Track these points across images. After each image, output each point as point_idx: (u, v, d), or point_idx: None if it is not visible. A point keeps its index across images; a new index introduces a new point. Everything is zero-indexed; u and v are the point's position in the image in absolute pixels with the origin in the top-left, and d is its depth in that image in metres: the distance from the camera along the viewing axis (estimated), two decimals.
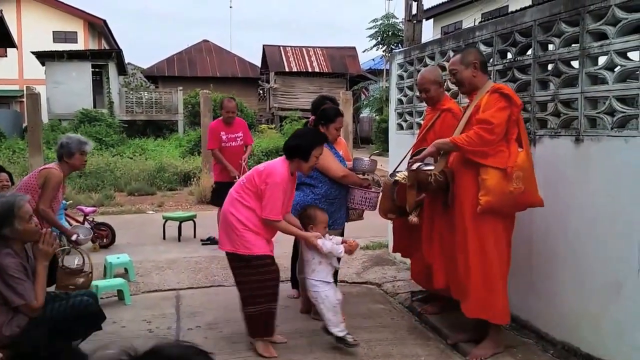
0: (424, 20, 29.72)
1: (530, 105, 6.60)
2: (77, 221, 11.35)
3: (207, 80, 44.43)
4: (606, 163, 5.59)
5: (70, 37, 50.29)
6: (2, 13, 37.63)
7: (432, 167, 6.25)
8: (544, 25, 6.38)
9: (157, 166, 22.93)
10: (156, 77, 50.28)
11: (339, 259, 6.73)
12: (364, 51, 45.92)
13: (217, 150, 11.41)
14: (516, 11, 8.58)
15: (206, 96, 19.35)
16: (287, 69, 46.78)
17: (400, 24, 35.87)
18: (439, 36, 13.15)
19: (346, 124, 18.44)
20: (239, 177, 10.01)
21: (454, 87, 7.60)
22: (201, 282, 9.18)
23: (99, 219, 12.77)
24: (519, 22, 6.75)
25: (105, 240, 11.65)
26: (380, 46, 41.12)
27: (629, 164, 5.29)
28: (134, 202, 18.43)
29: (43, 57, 38.57)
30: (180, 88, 41.09)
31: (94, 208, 12.91)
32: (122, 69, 43.86)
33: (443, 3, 36.84)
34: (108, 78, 39.17)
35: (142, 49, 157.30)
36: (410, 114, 9.47)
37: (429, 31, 39.90)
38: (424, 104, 8.00)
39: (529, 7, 6.98)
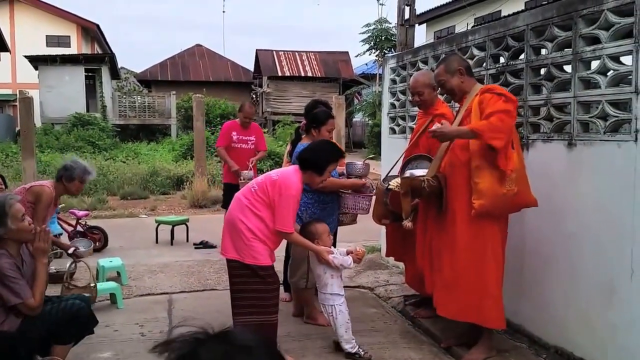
0: (416, 25, 29.76)
1: (523, 110, 6.57)
2: (70, 225, 11.37)
3: (200, 85, 44.40)
4: (599, 167, 5.58)
5: (64, 41, 50.23)
6: None
7: (424, 173, 6.22)
8: (536, 29, 6.37)
9: (150, 170, 22.88)
10: (149, 81, 50.29)
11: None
12: (356, 56, 45.74)
13: (222, 148, 11.36)
14: (509, 15, 8.58)
15: (199, 100, 19.41)
16: (280, 74, 46.72)
17: (393, 29, 35.83)
18: (432, 41, 13.19)
19: (338, 128, 18.42)
20: (239, 173, 10.28)
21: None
22: (194, 286, 9.17)
23: (92, 222, 12.75)
24: (512, 27, 6.75)
25: (97, 244, 11.56)
26: (373, 51, 41.08)
27: (622, 168, 5.28)
28: (127, 206, 18.41)
29: (36, 61, 38.53)
30: (173, 92, 41.10)
31: (87, 212, 12.83)
32: (115, 73, 43.88)
33: (436, 8, 36.88)
34: (101, 82, 39.15)
35: (135, 54, 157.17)
36: (403, 118, 9.46)
37: (422, 36, 40.05)
38: (416, 108, 8.00)
39: (522, 11, 6.97)
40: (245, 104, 11.66)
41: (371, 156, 14.02)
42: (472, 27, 16.79)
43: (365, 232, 10.35)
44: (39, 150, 24.26)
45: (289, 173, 6.21)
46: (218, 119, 37.55)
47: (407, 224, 6.45)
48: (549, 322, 6.28)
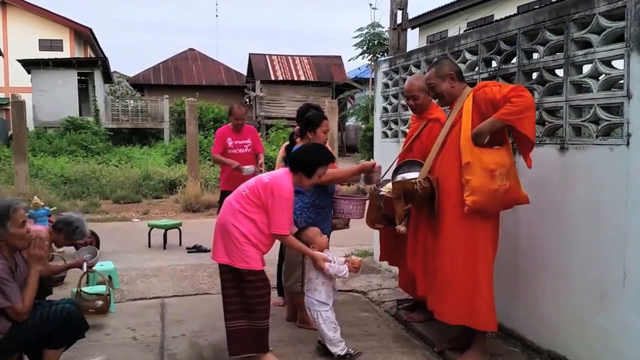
0: (409, 29, 29.75)
1: None
2: None
3: (193, 89, 44.55)
4: (591, 171, 5.57)
5: (56, 45, 50.28)
6: None
7: (416, 175, 6.22)
8: (528, 33, 6.38)
9: (142, 174, 22.91)
10: (142, 85, 50.33)
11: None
12: (349, 60, 46.19)
13: (218, 154, 11.05)
14: (501, 19, 8.59)
15: (192, 104, 19.41)
16: (273, 78, 46.84)
17: (386, 33, 35.83)
18: (424, 45, 13.20)
19: (331, 132, 18.46)
20: (241, 168, 10.25)
21: None
22: (186, 290, 9.14)
23: None
24: (504, 30, 6.75)
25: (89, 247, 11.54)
26: (366, 55, 41.11)
27: (614, 173, 5.28)
28: (119, 210, 18.40)
29: (29, 65, 38.64)
30: (166, 96, 41.13)
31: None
32: (107, 77, 43.95)
33: (428, 12, 36.94)
34: (94, 86, 39.23)
35: (128, 57, 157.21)
36: (396, 122, 9.46)
37: (414, 40, 40.15)
38: (409, 112, 7.97)
39: (514, 15, 6.98)
40: (234, 106, 11.37)
41: (362, 160, 13.94)
42: (465, 31, 16.78)
43: (358, 236, 10.35)
44: (32, 154, 24.23)
45: (280, 175, 6.20)
46: (211, 123, 37.59)
47: (401, 228, 6.41)
48: (542, 326, 6.27)
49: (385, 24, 40.25)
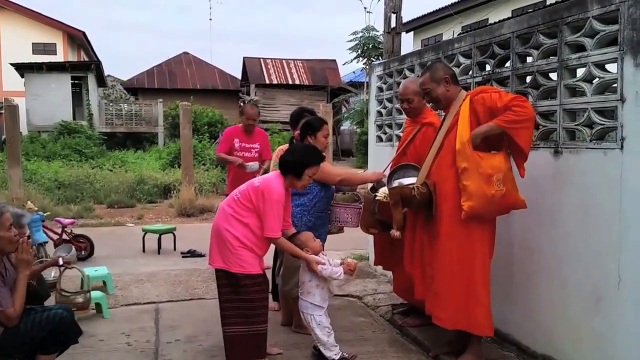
0: (404, 33, 29.65)
1: None
2: (56, 233, 11.33)
3: (188, 93, 44.45)
4: (585, 175, 5.59)
5: (50, 48, 50.15)
6: None
7: (413, 180, 6.25)
8: (522, 37, 6.39)
9: (137, 178, 22.88)
10: (136, 89, 50.31)
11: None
12: (344, 64, 45.97)
13: (222, 153, 10.54)
14: (495, 23, 8.60)
15: (186, 108, 19.43)
16: (267, 81, 46.83)
17: (381, 37, 35.87)
18: (419, 48, 13.22)
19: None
20: (244, 165, 10.01)
21: None
22: (181, 295, 9.12)
23: (78, 231, 12.71)
24: (497, 34, 6.77)
25: (83, 252, 11.59)
26: (361, 58, 41.13)
27: (608, 177, 5.29)
28: (114, 214, 18.37)
29: (22, 68, 38.61)
30: (160, 100, 41.14)
31: (73, 220, 12.66)
32: (101, 80, 43.95)
33: (423, 16, 36.93)
34: (87, 90, 39.21)
35: (122, 61, 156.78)
36: (390, 126, 9.48)
37: (409, 44, 40.12)
38: (403, 116, 8.02)
39: (508, 19, 6.99)
40: (246, 106, 10.83)
41: (355, 165, 13.92)
42: (459, 34, 16.81)
43: (353, 240, 10.35)
44: (25, 159, 24.16)
45: (271, 178, 6.24)
46: (205, 127, 37.62)
47: (396, 233, 6.43)
48: (537, 330, 6.27)
49: (380, 27, 40.35)
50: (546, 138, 6.15)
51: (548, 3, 15.18)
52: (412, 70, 8.65)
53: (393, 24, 13.21)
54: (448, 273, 6.00)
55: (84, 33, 51.67)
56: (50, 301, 6.40)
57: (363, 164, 19.97)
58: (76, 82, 39.87)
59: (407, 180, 6.37)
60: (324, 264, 6.28)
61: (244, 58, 49.51)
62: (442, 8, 34.31)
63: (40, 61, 39.96)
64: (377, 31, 39.54)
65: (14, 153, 17.21)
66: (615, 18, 5.23)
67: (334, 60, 50.02)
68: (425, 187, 6.06)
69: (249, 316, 6.06)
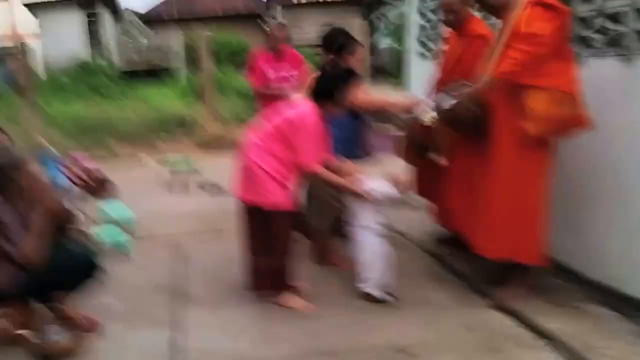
0: None
1: (573, 23, 6.01)
2: (77, 175, 11.07)
3: (210, 20, 44.18)
4: None
5: None
6: None
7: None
8: None
9: (157, 113, 23.07)
10: (155, 21, 50.08)
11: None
12: None
13: (262, 87, 9.52)
14: None
15: (207, 38, 19.66)
16: (295, 1, 46.33)
17: None
18: None
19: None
20: None
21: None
22: (201, 229, 9.36)
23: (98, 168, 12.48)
24: None
25: (103, 189, 11.33)
26: None
27: None
28: (134, 151, 18.69)
29: (35, 8, 38.55)
30: (181, 33, 40.95)
31: (93, 158, 12.50)
32: (118, 15, 43.83)
33: None
34: (104, 26, 39.16)
35: None
36: (434, 41, 9.10)
37: None
38: (448, 29, 7.50)
39: None
40: (274, 27, 9.93)
41: (395, 86, 13.59)
42: None
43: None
44: (44, 102, 24.12)
45: (304, 108, 6.14)
46: (230, 56, 37.30)
47: (443, 160, 6.42)
48: (594, 258, 6.10)
49: None
50: (616, 44, 5.64)
51: None
52: None
53: None
54: (505, 200, 5.76)
55: None
56: None
57: (403, 84, 19.59)
58: (92, 19, 39.96)
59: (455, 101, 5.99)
60: (368, 184, 6.13)
61: None
62: None
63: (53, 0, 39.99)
64: None
65: (32, 97, 17.30)
66: None
67: None
68: (479, 107, 5.76)
69: (273, 249, 6.18)
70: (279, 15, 45.45)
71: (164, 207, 10.77)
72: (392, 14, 42.69)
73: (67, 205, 6.54)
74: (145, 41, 41.84)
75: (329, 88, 6.13)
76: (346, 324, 6.02)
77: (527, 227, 5.76)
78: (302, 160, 5.99)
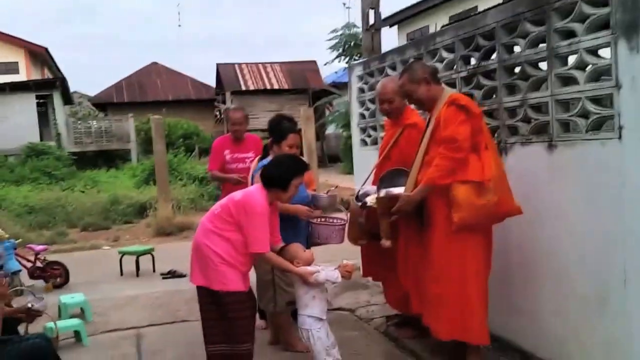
0: (387, 27, 29.52)
1: (499, 112, 6.58)
2: (29, 260, 11.31)
3: (160, 105, 44.51)
4: (583, 168, 5.56)
5: (12, 68, 50.02)
6: None
7: (401, 190, 6.24)
8: (507, 26, 6.36)
9: (110, 198, 22.81)
10: (105, 104, 50.30)
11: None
12: (325, 64, 45.66)
13: (215, 170, 9.76)
14: (482, 12, 8.54)
15: (158, 122, 19.28)
16: (244, 88, 46.75)
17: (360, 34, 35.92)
18: (405, 43, 13.08)
19: (309, 142, 18.37)
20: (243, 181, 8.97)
21: None
22: (163, 318, 9.08)
23: (52, 257, 12.63)
24: (481, 25, 6.74)
25: (58, 279, 11.60)
26: (343, 58, 41.05)
27: (607, 168, 5.26)
28: (88, 237, 18.39)
29: None
30: (131, 115, 41.01)
31: (45, 246, 12.72)
32: (68, 98, 43.86)
33: (407, 8, 36.68)
34: (54, 108, 39.13)
35: (89, 76, 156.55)
36: (374, 128, 9.44)
37: (393, 39, 39.95)
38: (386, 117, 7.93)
39: (499, 5, 6.96)
40: (229, 111, 10.28)
41: (334, 187, 13.74)
42: (445, 25, 16.76)
43: (342, 252, 10.33)
44: None
45: (253, 192, 6.18)
46: (180, 140, 37.50)
47: (386, 243, 6.47)
48: (540, 336, 6.26)
49: (357, 25, 40.26)
50: (539, 132, 6.10)
51: None
52: (393, 68, 8.62)
53: (372, 21, 13.20)
54: (442, 284, 6.01)
55: (46, 49, 51.58)
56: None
57: (351, 170, 19.93)
58: (41, 101, 39.84)
59: (396, 190, 6.32)
60: (317, 272, 6.17)
61: (217, 64, 49.51)
62: None
63: (2, 82, 39.90)
64: (359, 27, 39.53)
65: None
66: (606, 0, 5.23)
67: (314, 62, 50.01)
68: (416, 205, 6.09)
69: (232, 335, 6.04)
70: (229, 101, 45.78)
71: (123, 295, 10.53)
72: (337, 101, 43.25)
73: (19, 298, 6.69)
74: (95, 123, 41.74)
75: (278, 174, 6.12)
76: None
77: (467, 308, 5.95)
78: (251, 243, 5.94)
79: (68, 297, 9.24)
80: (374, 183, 6.99)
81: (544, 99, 5.96)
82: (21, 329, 7.81)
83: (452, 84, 7.05)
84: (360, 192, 7.16)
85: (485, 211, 5.69)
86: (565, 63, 5.79)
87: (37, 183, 28.96)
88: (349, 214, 7.28)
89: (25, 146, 35.45)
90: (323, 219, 7.30)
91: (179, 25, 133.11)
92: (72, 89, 47.10)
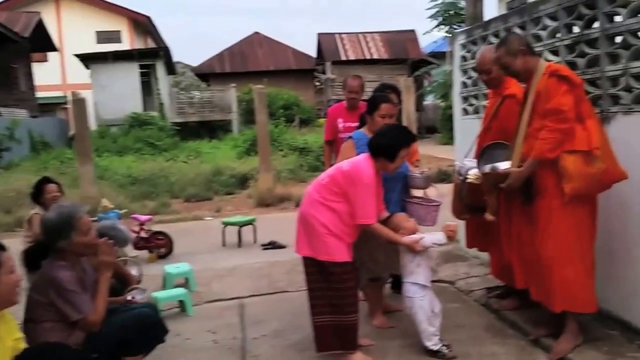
0: None
1: (602, 81, 6.56)
2: (134, 231, 11.51)
3: (261, 75, 44.46)
4: None
5: (114, 37, 50.81)
6: (40, 16, 38.03)
7: (507, 165, 6.26)
8: None
9: (212, 169, 23.00)
10: (207, 74, 50.56)
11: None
12: (424, 34, 45.53)
13: (327, 143, 9.84)
14: None
15: (260, 92, 19.41)
16: (344, 58, 46.67)
17: (462, 2, 35.52)
18: (504, 12, 12.92)
19: (408, 112, 18.32)
20: None
21: None
22: (264, 289, 9.19)
23: (155, 227, 12.89)
24: None
25: (162, 250, 11.89)
26: (442, 27, 40.74)
27: None
28: (191, 208, 18.70)
29: (87, 59, 39.16)
30: (233, 85, 41.14)
31: (150, 216, 13.00)
32: (171, 68, 44.16)
33: None
34: (157, 78, 39.45)
35: (191, 46, 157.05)
36: (476, 97, 9.44)
37: (493, 8, 39.61)
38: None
39: None
40: (348, 78, 9.66)
41: (440, 142, 13.65)
42: None
43: (439, 224, 10.40)
44: (96, 154, 24.27)
45: (360, 161, 6.23)
46: (281, 110, 37.61)
47: (490, 217, 6.56)
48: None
49: None
50: None
51: None
52: (497, 36, 8.56)
53: None
54: (551, 255, 6.01)
55: (149, 18, 52.23)
56: None
57: (449, 141, 19.83)
58: (144, 70, 40.19)
59: (502, 165, 6.33)
60: (422, 238, 6.25)
61: (318, 34, 49.56)
62: None
63: (105, 50, 40.58)
64: None
65: (85, 149, 17.29)
66: None
67: (413, 31, 49.68)
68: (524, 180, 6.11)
69: (338, 305, 6.08)
70: (329, 71, 45.68)
71: (225, 265, 10.70)
72: (436, 71, 42.85)
73: (126, 268, 6.73)
74: (198, 94, 41.85)
75: (386, 144, 6.18)
76: None
77: (580, 278, 5.97)
78: (357, 213, 6.01)
79: (172, 267, 9.43)
80: (476, 155, 7.01)
81: None
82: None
83: (555, 52, 7.10)
84: (462, 167, 7.12)
85: (595, 179, 5.74)
86: None
87: (140, 153, 29.49)
88: (453, 187, 7.29)
89: (129, 116, 35.99)
90: (419, 199, 7.20)
91: None
92: (175, 59, 47.46)
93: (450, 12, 39.59)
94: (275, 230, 12.66)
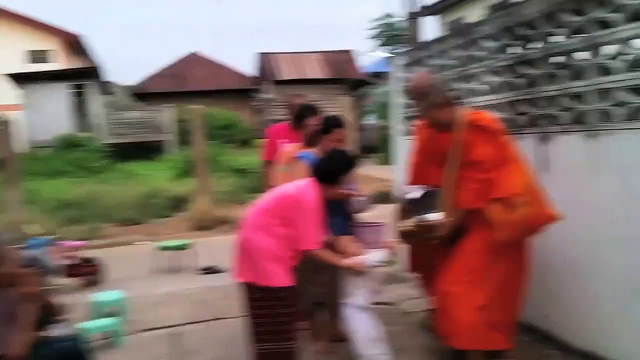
0: (428, 15, 29.50)
1: (540, 101, 6.68)
2: (63, 257, 11.23)
3: (199, 95, 44.39)
4: (622, 158, 5.67)
5: (46, 56, 50.21)
6: None
7: (438, 216, 6.36)
8: (548, 15, 6.46)
9: (148, 192, 22.81)
10: (143, 94, 50.27)
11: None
12: (365, 54, 45.80)
13: (269, 163, 8.85)
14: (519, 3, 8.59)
15: (197, 112, 19.35)
16: (283, 77, 46.72)
17: (401, 24, 35.88)
18: (444, 33, 13.04)
19: (350, 133, 18.34)
20: None
21: None
22: (201, 315, 9.10)
23: (87, 253, 12.56)
24: (523, 14, 6.83)
25: (92, 277, 11.65)
26: (383, 47, 41.02)
27: None
28: (125, 232, 18.43)
29: (17, 79, 38.44)
30: (170, 105, 40.95)
31: (81, 242, 12.82)
32: (104, 88, 43.77)
33: None
34: (90, 99, 39.08)
35: (126, 66, 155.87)
36: (416, 117, 9.28)
37: (433, 28, 39.92)
38: None
39: None
40: (291, 96, 9.63)
41: (380, 162, 13.73)
42: (484, 15, 16.79)
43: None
44: (28, 178, 23.99)
45: (306, 186, 6.21)
46: (220, 130, 37.49)
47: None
48: (579, 326, 6.38)
49: (397, 14, 40.27)
50: (579, 121, 6.21)
51: None
52: (436, 57, 8.70)
53: (413, 9, 13.28)
54: (447, 289, 6.23)
55: (82, 37, 51.79)
56: None
57: (388, 161, 19.88)
58: (77, 90, 39.75)
59: (431, 216, 6.41)
60: (364, 260, 6.28)
61: (258, 54, 49.53)
62: None
63: (36, 70, 40.06)
64: (398, 17, 39.51)
65: (12, 173, 17.14)
66: None
67: (353, 51, 49.89)
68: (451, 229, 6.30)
69: (279, 332, 6.05)
70: (269, 90, 45.74)
71: (160, 292, 10.58)
72: (376, 91, 43.18)
73: (53, 297, 6.63)
74: (132, 114, 41.57)
75: (329, 170, 6.23)
76: None
77: (506, 318, 6.14)
78: (303, 239, 6.00)
79: (103, 295, 9.25)
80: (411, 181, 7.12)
81: (585, 89, 6.08)
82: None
83: (496, 72, 7.23)
84: (405, 195, 7.07)
85: (521, 225, 5.83)
86: (603, 52, 5.91)
87: (73, 176, 29.01)
88: (394, 209, 7.20)
89: (60, 138, 35.42)
90: (366, 223, 7.20)
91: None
92: (110, 78, 47.13)
93: (390, 33, 39.89)
94: (213, 254, 12.49)
